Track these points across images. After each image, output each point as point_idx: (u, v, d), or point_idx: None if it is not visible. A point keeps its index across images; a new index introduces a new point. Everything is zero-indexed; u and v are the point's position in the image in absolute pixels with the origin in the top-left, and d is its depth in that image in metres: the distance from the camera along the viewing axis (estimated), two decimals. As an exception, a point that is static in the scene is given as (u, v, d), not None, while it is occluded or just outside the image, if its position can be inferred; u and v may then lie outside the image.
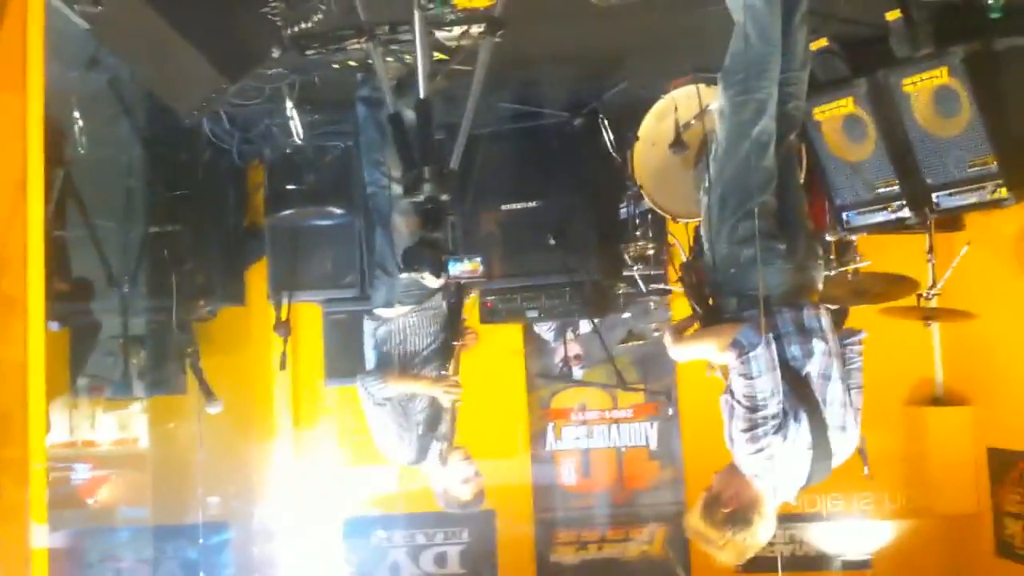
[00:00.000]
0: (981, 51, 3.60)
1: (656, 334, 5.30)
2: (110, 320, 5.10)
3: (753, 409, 2.73)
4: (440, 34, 3.39)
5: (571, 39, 4.26)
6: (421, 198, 3.02)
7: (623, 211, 4.88)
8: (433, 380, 4.24)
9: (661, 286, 5.10)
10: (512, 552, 5.96)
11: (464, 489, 4.28)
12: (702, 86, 4.10)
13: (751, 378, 2.71)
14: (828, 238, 4.42)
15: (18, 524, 2.24)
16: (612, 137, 4.77)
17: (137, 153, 4.97)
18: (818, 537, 5.63)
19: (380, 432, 4.29)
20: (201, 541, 5.74)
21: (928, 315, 4.52)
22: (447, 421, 4.28)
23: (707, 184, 3.09)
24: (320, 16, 3.48)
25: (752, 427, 2.73)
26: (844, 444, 2.91)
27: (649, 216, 4.74)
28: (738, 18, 2.98)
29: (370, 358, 4.38)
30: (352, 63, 4.03)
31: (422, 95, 3.08)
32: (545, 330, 5.72)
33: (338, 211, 5.15)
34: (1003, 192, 3.66)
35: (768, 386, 2.71)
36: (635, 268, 4.83)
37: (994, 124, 3.60)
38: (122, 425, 5.78)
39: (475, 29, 3.21)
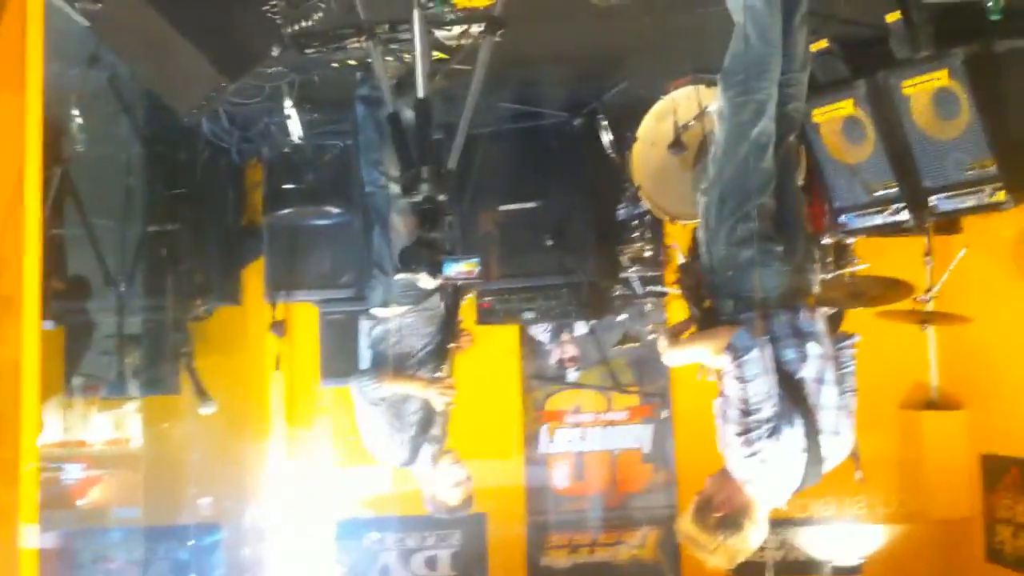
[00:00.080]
0: (981, 53, 3.60)
1: (651, 336, 5.28)
2: (106, 319, 5.07)
3: (747, 413, 2.72)
4: (440, 33, 3.41)
5: (571, 39, 4.25)
6: (419, 198, 3.02)
7: (621, 212, 4.86)
8: (428, 382, 4.21)
9: (657, 288, 5.09)
10: (503, 555, 5.94)
11: (453, 493, 4.24)
12: (702, 87, 4.10)
13: (746, 381, 2.71)
14: (826, 240, 4.41)
15: (8, 525, 2.23)
16: (611, 137, 4.77)
17: (136, 151, 4.96)
18: (809, 542, 5.62)
19: (371, 432, 4.26)
20: (192, 542, 5.71)
21: (924, 319, 4.53)
22: (439, 424, 4.26)
23: (705, 185, 3.09)
24: (320, 15, 3.48)
25: (746, 431, 2.73)
26: (837, 448, 2.89)
27: (647, 217, 4.73)
28: (738, 19, 2.98)
29: (365, 358, 4.36)
30: (351, 62, 4.04)
31: (421, 94, 3.07)
32: (540, 332, 5.70)
33: (336, 210, 5.13)
34: (1001, 195, 3.65)
35: (763, 390, 2.71)
36: (632, 269, 4.82)
37: (993, 127, 3.60)
38: (116, 425, 5.74)
39: (475, 28, 3.23)
